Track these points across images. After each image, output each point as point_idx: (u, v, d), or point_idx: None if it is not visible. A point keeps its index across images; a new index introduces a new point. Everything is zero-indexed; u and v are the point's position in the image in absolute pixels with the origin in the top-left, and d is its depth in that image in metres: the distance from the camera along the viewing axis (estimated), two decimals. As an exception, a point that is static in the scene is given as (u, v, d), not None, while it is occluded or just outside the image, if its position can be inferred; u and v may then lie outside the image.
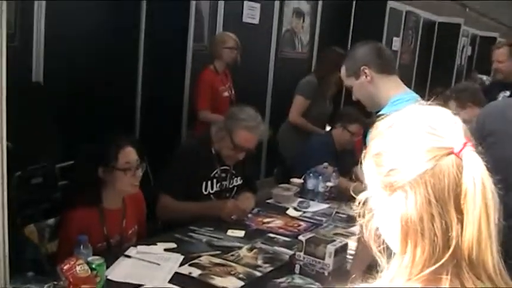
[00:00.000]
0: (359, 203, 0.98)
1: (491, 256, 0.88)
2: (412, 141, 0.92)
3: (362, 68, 2.43)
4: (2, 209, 1.85)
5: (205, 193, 3.32)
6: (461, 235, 0.87)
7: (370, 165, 0.96)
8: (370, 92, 2.43)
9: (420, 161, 0.89)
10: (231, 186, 3.46)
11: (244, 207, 3.25)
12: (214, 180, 3.35)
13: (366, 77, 2.42)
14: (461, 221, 0.88)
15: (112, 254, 2.66)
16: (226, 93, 4.92)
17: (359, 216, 0.98)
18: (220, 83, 4.90)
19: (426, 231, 0.88)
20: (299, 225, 3.22)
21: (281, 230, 3.11)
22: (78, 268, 2.08)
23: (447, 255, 0.87)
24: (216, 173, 3.36)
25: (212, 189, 3.35)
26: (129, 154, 2.70)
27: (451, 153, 0.89)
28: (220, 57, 4.86)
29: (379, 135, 0.97)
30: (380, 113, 2.33)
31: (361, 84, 2.44)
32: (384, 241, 0.96)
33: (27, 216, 3.29)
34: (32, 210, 3.58)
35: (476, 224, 0.87)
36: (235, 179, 3.49)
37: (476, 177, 0.87)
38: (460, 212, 0.88)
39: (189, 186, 3.22)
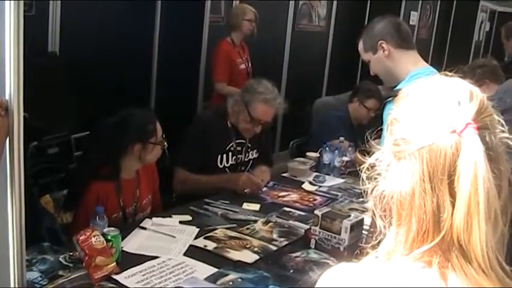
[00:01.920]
0: (369, 166, 0.97)
1: (480, 244, 0.85)
2: (420, 114, 0.90)
3: (380, 42, 2.39)
4: (18, 180, 1.83)
5: (220, 166, 3.31)
6: (451, 219, 0.86)
7: (386, 132, 0.96)
8: (388, 67, 2.40)
9: (422, 135, 0.88)
10: (246, 159, 3.45)
11: (259, 180, 3.23)
12: (230, 154, 3.34)
13: (384, 51, 2.38)
14: (453, 204, 0.86)
15: (127, 224, 2.68)
16: (243, 66, 4.89)
17: (367, 179, 0.97)
18: (237, 55, 4.87)
19: (416, 208, 0.88)
20: (314, 200, 3.21)
21: (296, 204, 3.10)
22: (93, 239, 2.08)
23: (438, 238, 0.86)
24: (232, 146, 3.35)
25: (227, 162, 3.33)
26: (160, 128, 2.73)
27: (454, 132, 0.86)
28: (239, 29, 4.83)
29: (397, 103, 0.96)
30: (398, 87, 2.30)
31: (378, 59, 2.41)
32: (386, 207, 0.94)
33: (43, 186, 3.31)
34: (48, 180, 3.60)
35: (464, 209, 0.84)
36: (251, 152, 3.47)
37: (470, 161, 0.84)
38: (453, 194, 0.86)
39: (204, 159, 3.21)
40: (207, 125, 3.31)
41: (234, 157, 3.36)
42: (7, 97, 1.79)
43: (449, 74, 0.97)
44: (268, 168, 3.45)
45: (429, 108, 0.90)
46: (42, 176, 3.59)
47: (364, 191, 0.97)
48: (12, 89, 1.77)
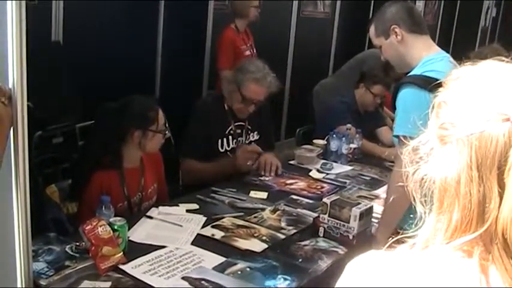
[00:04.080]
0: (410, 149, 0.92)
1: None
2: (472, 98, 0.85)
3: (392, 27, 2.34)
4: (23, 169, 1.81)
5: (221, 150, 3.30)
6: (498, 210, 0.81)
7: (432, 114, 0.91)
8: (400, 52, 2.35)
9: (472, 121, 0.83)
10: (247, 141, 3.44)
11: (253, 146, 3.30)
12: (230, 137, 3.34)
13: (396, 36, 2.33)
14: (501, 195, 0.81)
15: (133, 213, 2.66)
16: (247, 52, 4.86)
17: (409, 162, 0.92)
18: (242, 42, 4.85)
19: (461, 196, 0.83)
20: (322, 187, 3.17)
21: (304, 192, 3.07)
22: (100, 229, 2.06)
23: (482, 229, 0.82)
24: (231, 129, 3.34)
25: (228, 146, 3.33)
26: (162, 116, 2.70)
27: (507, 120, 0.81)
28: (245, 15, 4.80)
29: (446, 86, 0.91)
30: (411, 73, 2.26)
31: (391, 44, 2.36)
32: (427, 193, 0.90)
33: (48, 176, 3.29)
34: (53, 170, 3.58)
35: None
36: (252, 134, 3.46)
37: None
38: (502, 185, 0.81)
39: (206, 144, 3.21)
40: (205, 111, 3.31)
41: (235, 140, 3.36)
42: (10, 86, 1.76)
43: (505, 59, 0.91)
44: (272, 154, 3.45)
45: (482, 93, 0.85)
46: (47, 166, 3.57)
47: (404, 174, 0.92)
48: (16, 78, 1.74)
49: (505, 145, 0.80)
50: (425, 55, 2.31)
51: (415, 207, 0.93)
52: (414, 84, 2.15)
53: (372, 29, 2.44)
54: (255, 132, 3.47)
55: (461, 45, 7.77)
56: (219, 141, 3.29)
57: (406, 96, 2.18)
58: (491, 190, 0.81)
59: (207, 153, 3.19)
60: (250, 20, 4.84)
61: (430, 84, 2.26)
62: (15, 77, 1.73)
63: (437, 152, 0.88)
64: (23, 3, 1.72)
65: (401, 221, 2.21)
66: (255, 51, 4.96)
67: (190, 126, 3.23)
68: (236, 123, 3.36)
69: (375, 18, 2.47)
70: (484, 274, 0.82)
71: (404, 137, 2.27)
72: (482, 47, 4.73)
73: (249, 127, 3.43)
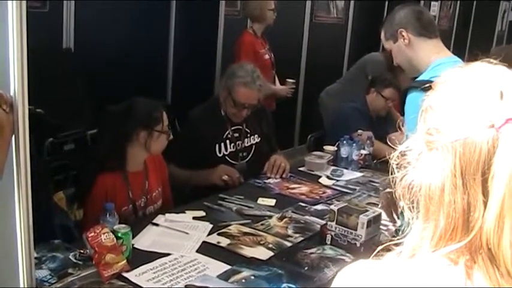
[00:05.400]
0: (398, 154, 0.91)
1: (511, 249, 0.78)
2: (457, 103, 0.83)
3: (399, 30, 2.32)
4: (25, 177, 1.80)
5: (219, 155, 3.30)
6: (482, 219, 0.79)
7: (420, 119, 0.90)
8: (409, 56, 2.33)
9: (456, 127, 0.81)
10: (247, 144, 3.44)
11: (232, 169, 3.24)
12: (227, 141, 3.34)
13: (404, 40, 2.31)
14: (485, 204, 0.79)
15: (137, 217, 2.67)
16: (267, 56, 4.87)
17: (396, 167, 0.91)
18: (261, 46, 4.85)
19: (445, 204, 0.82)
20: (324, 193, 3.14)
21: (302, 197, 3.04)
22: (103, 237, 2.05)
23: (467, 239, 0.80)
24: (228, 133, 3.34)
25: (226, 150, 3.33)
26: (166, 118, 2.72)
27: (492, 126, 0.79)
28: (262, 19, 4.80)
29: (434, 89, 0.89)
30: (419, 78, 2.23)
31: (399, 48, 2.34)
32: (414, 198, 0.88)
33: (58, 183, 3.30)
34: (63, 176, 3.59)
35: (497, 210, 0.78)
36: (252, 137, 3.46)
37: (506, 160, 0.77)
38: (486, 194, 0.79)
39: (200, 150, 3.20)
40: (196, 119, 3.32)
41: (232, 144, 3.35)
42: (11, 93, 1.76)
43: (494, 61, 0.89)
44: (281, 156, 3.45)
45: (467, 98, 0.83)
46: (57, 172, 3.58)
47: (392, 180, 0.91)
48: (17, 85, 1.73)
49: (488, 152, 0.79)
50: (435, 59, 2.27)
51: (403, 213, 0.91)
52: (420, 89, 2.12)
53: (382, 33, 2.44)
54: (255, 135, 3.47)
55: (477, 49, 7.68)
56: (216, 145, 3.29)
57: (413, 101, 2.15)
58: (475, 198, 0.80)
59: (201, 159, 3.18)
60: (267, 23, 4.84)
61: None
62: (17, 84, 1.73)
63: (424, 158, 0.86)
64: (24, 10, 1.71)
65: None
66: (273, 55, 4.96)
67: (179, 133, 3.22)
68: (233, 128, 3.36)
69: (385, 21, 2.46)
70: (470, 281, 0.80)
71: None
72: (496, 47, 4.65)
73: (248, 130, 3.43)
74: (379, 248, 0.93)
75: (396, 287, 0.85)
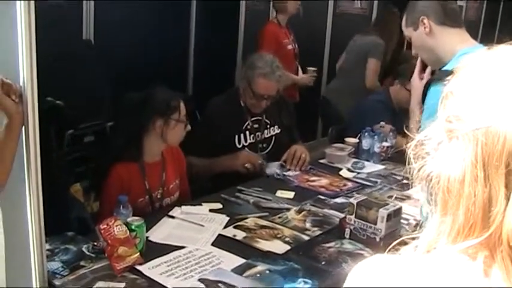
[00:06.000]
0: (416, 144, 0.84)
1: None
2: (478, 89, 0.77)
3: (421, 18, 2.23)
4: (35, 168, 1.78)
5: (239, 146, 3.27)
6: (503, 214, 0.73)
7: (440, 106, 0.84)
8: (430, 45, 2.23)
9: (478, 114, 0.75)
10: (267, 136, 3.40)
11: (256, 156, 3.23)
12: (247, 132, 3.30)
13: (425, 28, 2.21)
14: (508, 197, 0.73)
15: (154, 209, 2.64)
16: (290, 46, 4.85)
17: (414, 157, 0.84)
18: (285, 36, 4.83)
19: (465, 197, 0.76)
20: (344, 185, 3.08)
21: (322, 189, 2.98)
22: (116, 229, 2.02)
23: (486, 234, 0.74)
24: (248, 124, 3.31)
25: (246, 141, 3.30)
26: (183, 107, 2.69)
27: None
28: (286, 10, 4.77)
29: (455, 75, 0.83)
30: (443, 68, 2.14)
31: (419, 36, 2.24)
32: (432, 191, 0.82)
33: (78, 174, 3.29)
34: (84, 168, 3.58)
35: None
36: (272, 128, 3.42)
37: None
38: (509, 187, 0.73)
39: (219, 141, 3.16)
40: (215, 110, 3.29)
41: (252, 135, 3.32)
42: (21, 84, 1.74)
43: None
44: (302, 146, 3.39)
45: (491, 84, 0.76)
46: (77, 164, 3.57)
47: (409, 171, 0.85)
48: (26, 76, 1.71)
49: None
50: (460, 49, 2.17)
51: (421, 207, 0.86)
52: (444, 82, 2.04)
53: (404, 20, 2.35)
54: (275, 126, 3.43)
55: (505, 41, 7.50)
56: (236, 136, 3.26)
57: (435, 95, 2.07)
58: (497, 192, 0.73)
59: (220, 149, 3.14)
60: (291, 13, 4.81)
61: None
62: (26, 74, 1.71)
63: (444, 147, 0.80)
64: (32, 1, 1.68)
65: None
66: (297, 46, 4.91)
67: (198, 124, 3.18)
68: (253, 119, 3.33)
69: (407, 8, 2.37)
70: (488, 279, 0.75)
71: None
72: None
73: (267, 121, 3.39)
74: (395, 242, 0.89)
75: (412, 284, 0.80)
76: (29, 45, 1.68)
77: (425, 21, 2.21)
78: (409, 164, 0.86)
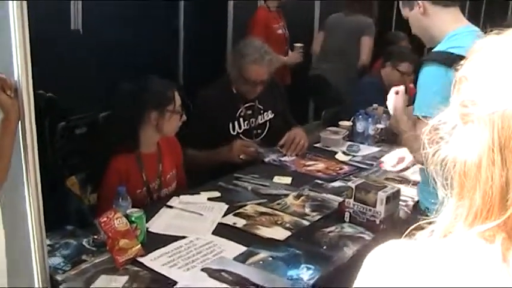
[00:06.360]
0: (430, 129, 0.84)
1: None
2: (493, 73, 0.76)
3: None
4: (33, 163, 1.76)
5: (233, 133, 3.26)
6: None
7: (453, 90, 0.83)
8: (425, 25, 2.23)
9: (494, 98, 0.75)
10: (261, 121, 3.39)
11: (252, 144, 3.22)
12: (241, 119, 3.29)
13: (419, 8, 2.21)
14: None
15: (152, 200, 2.63)
16: (280, 31, 4.87)
17: (428, 142, 0.84)
18: (274, 21, 4.85)
19: (482, 181, 0.75)
20: (341, 169, 3.08)
21: (319, 174, 2.99)
22: (116, 221, 2.01)
23: (505, 216, 0.74)
24: (241, 111, 3.29)
25: (240, 128, 3.29)
26: (178, 98, 2.67)
27: None
28: None
29: (467, 59, 0.82)
30: (435, 49, 2.14)
31: (415, 16, 2.24)
32: (448, 175, 0.82)
33: (73, 167, 3.26)
34: (78, 160, 3.55)
35: None
36: (265, 113, 3.41)
37: None
38: None
39: (213, 129, 3.15)
40: (208, 98, 3.26)
41: (246, 121, 3.31)
42: (15, 78, 1.71)
43: None
44: (300, 129, 3.40)
45: (505, 67, 0.76)
46: (70, 157, 3.55)
47: (424, 156, 0.84)
48: (20, 71, 1.69)
49: None
50: (451, 29, 2.18)
51: (436, 191, 0.85)
52: (437, 62, 2.04)
53: (401, 1, 2.34)
54: (269, 112, 3.41)
55: (493, 17, 7.51)
56: (230, 124, 3.25)
57: (428, 74, 2.07)
58: None
59: (215, 138, 3.13)
60: None
61: (454, 62, 2.14)
62: (20, 69, 1.68)
63: (458, 132, 0.80)
64: (25, 8, 1.66)
65: (425, 200, 2.15)
66: (287, 31, 4.90)
67: (192, 116, 3.12)
68: (246, 105, 3.31)
69: None
70: (506, 263, 0.75)
71: (424, 117, 2.17)
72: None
73: (261, 107, 3.37)
74: (412, 227, 0.87)
75: (433, 269, 0.80)
76: (22, 40, 1.65)
77: (420, 1, 2.21)
78: (423, 149, 0.86)
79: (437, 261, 0.80)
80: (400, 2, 2.34)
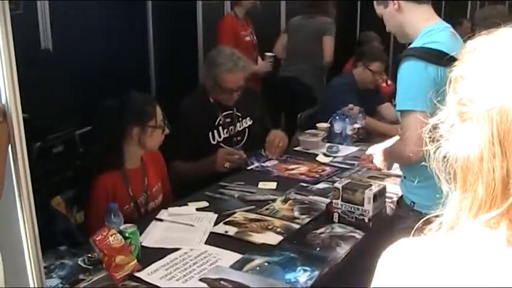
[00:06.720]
0: (430, 128, 0.89)
1: None
2: (488, 71, 0.81)
3: None
4: (26, 185, 1.75)
5: (213, 142, 3.27)
6: None
7: (449, 90, 0.87)
8: (400, 22, 2.28)
9: (491, 95, 0.79)
10: (240, 129, 3.41)
11: (237, 151, 3.22)
12: (220, 128, 3.30)
13: (394, 5, 2.26)
14: None
15: (140, 214, 2.62)
16: (248, 38, 4.87)
17: (429, 141, 0.89)
18: (242, 28, 4.85)
19: (484, 173, 0.80)
20: (323, 171, 3.11)
21: (302, 177, 3.02)
22: (111, 238, 2.01)
23: (506, 204, 0.79)
24: (220, 120, 3.31)
25: (220, 137, 3.30)
26: (160, 112, 2.66)
27: None
28: (240, 3, 4.81)
29: (461, 59, 0.87)
30: (412, 45, 2.19)
31: (389, 13, 2.29)
32: (451, 170, 0.87)
33: (52, 187, 3.23)
34: (56, 180, 3.52)
35: None
36: (243, 120, 3.43)
37: None
38: None
39: (194, 140, 3.16)
40: (186, 109, 3.26)
41: (225, 130, 3.32)
42: (3, 102, 1.70)
43: None
44: (279, 130, 3.44)
45: (500, 65, 0.80)
46: (50, 176, 3.51)
47: (426, 152, 0.89)
48: (8, 93, 1.68)
49: None
50: (425, 26, 2.24)
51: (440, 187, 0.89)
52: (416, 57, 2.10)
53: None
54: (247, 118, 3.43)
55: (453, 11, 7.64)
56: (210, 133, 3.26)
57: (408, 69, 2.12)
58: None
59: (197, 149, 3.14)
60: (247, 6, 4.85)
61: (432, 56, 2.20)
62: (8, 92, 1.67)
63: (458, 129, 0.85)
64: (8, 13, 1.66)
65: (409, 194, 2.22)
66: (255, 38, 4.94)
67: (174, 128, 3.11)
68: (224, 113, 3.32)
69: None
70: (511, 247, 0.79)
71: (408, 111, 2.21)
72: (481, 9, 4.66)
73: (239, 114, 3.39)
74: (420, 221, 0.92)
75: (448, 264, 0.83)
76: (9, 63, 1.65)
77: None
78: (425, 147, 0.90)
79: (448, 256, 0.83)
80: (375, 1, 2.38)
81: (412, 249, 0.88)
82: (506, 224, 0.80)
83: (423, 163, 2.17)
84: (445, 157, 0.87)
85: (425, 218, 0.92)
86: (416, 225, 0.94)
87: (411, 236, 0.91)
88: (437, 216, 0.89)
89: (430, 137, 0.89)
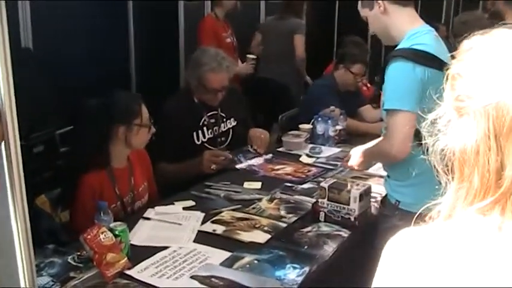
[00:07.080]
0: (429, 122, 0.94)
1: None
2: (485, 69, 0.86)
3: None
4: (19, 185, 1.74)
5: (198, 143, 3.28)
6: None
7: (446, 87, 0.92)
8: (385, 24, 2.32)
9: (488, 91, 0.84)
10: (225, 129, 3.42)
11: (222, 152, 3.24)
12: (204, 128, 3.31)
13: (379, 7, 2.30)
14: None
15: (126, 214, 2.62)
16: (228, 40, 4.89)
17: (428, 135, 0.94)
18: (222, 29, 4.89)
19: (480, 165, 0.85)
20: (309, 171, 3.15)
21: (288, 177, 3.05)
22: (102, 236, 2.01)
23: (499, 191, 0.84)
24: (204, 120, 3.32)
25: (204, 137, 3.31)
26: (146, 111, 2.65)
27: None
28: (221, 4, 4.83)
29: (458, 57, 0.91)
30: (399, 46, 2.24)
31: (375, 16, 2.32)
32: (448, 162, 0.92)
33: (34, 187, 3.21)
34: (38, 180, 3.50)
35: None
36: (228, 121, 3.44)
37: None
38: None
39: (178, 140, 3.16)
40: (170, 110, 3.26)
41: (210, 130, 3.33)
42: (-4, 102, 1.70)
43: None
44: (262, 131, 3.47)
45: (496, 63, 0.85)
46: (31, 176, 3.48)
47: (424, 146, 0.94)
48: (3, 91, 1.67)
49: None
50: (410, 28, 2.28)
51: (439, 179, 0.94)
52: (404, 58, 2.14)
53: (360, 1, 2.42)
54: (231, 119, 3.45)
55: (428, 16, 7.74)
56: (194, 134, 3.27)
57: (396, 70, 2.16)
58: (508, 158, 0.83)
59: (182, 150, 3.14)
60: (227, 7, 4.89)
61: (420, 58, 2.24)
62: (3, 90, 1.67)
63: (455, 124, 0.89)
64: (4, 9, 1.65)
65: (394, 193, 2.27)
66: (235, 40, 4.95)
67: (159, 129, 3.14)
68: (209, 114, 3.34)
69: None
70: (501, 232, 0.84)
71: (395, 110, 2.25)
72: (461, 15, 4.76)
73: (223, 114, 3.40)
74: (420, 209, 0.96)
75: (442, 249, 0.88)
76: (4, 61, 1.64)
77: (380, 1, 2.29)
78: (424, 140, 0.95)
79: (447, 243, 0.88)
80: (360, 3, 2.41)
81: (414, 239, 0.92)
82: (499, 211, 0.85)
83: (407, 162, 2.22)
84: (443, 150, 0.91)
85: (425, 206, 0.96)
86: (416, 215, 0.98)
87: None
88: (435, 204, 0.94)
89: (428, 132, 0.94)
